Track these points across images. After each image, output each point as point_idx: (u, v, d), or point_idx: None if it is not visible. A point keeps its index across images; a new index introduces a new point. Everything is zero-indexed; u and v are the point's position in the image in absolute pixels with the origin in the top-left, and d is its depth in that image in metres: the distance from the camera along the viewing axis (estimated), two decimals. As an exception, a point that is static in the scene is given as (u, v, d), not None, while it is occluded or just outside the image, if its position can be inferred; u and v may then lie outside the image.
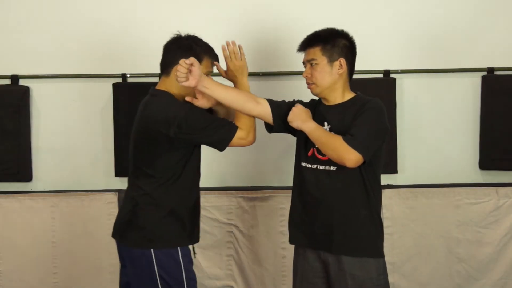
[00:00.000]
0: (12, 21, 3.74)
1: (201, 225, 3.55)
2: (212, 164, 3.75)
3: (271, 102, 2.60)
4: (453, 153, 3.73)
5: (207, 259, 3.59)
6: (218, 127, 2.51)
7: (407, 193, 3.58)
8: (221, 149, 2.55)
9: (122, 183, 3.75)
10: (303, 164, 2.57)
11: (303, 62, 2.60)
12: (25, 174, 3.73)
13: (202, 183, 3.68)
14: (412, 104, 3.71)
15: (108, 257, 3.61)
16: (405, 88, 3.69)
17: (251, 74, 3.58)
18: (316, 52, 2.53)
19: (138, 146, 2.58)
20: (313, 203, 2.53)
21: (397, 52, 3.71)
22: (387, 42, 3.71)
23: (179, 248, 2.55)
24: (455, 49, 3.70)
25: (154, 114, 2.52)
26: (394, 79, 3.66)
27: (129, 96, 3.69)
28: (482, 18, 3.69)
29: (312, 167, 2.53)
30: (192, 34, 2.64)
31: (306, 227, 2.56)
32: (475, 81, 3.70)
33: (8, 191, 3.70)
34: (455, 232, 3.57)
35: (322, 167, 2.52)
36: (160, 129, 2.47)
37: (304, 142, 2.57)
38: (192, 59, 2.38)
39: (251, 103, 2.55)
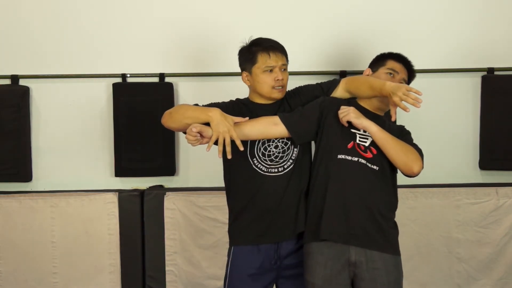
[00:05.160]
0: (12, 21, 3.74)
1: (201, 225, 3.59)
2: (212, 164, 3.75)
3: (284, 120, 2.59)
4: (453, 153, 3.73)
5: (207, 259, 3.59)
6: None
7: (407, 193, 3.57)
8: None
9: (122, 183, 3.75)
10: (342, 156, 2.54)
11: (393, 70, 2.70)
12: (25, 174, 3.73)
13: (202, 183, 3.73)
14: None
15: (108, 257, 3.62)
16: (405, 88, 3.68)
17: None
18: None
19: None
20: (353, 198, 2.52)
21: (397, 52, 3.70)
22: (386, 42, 3.70)
23: (232, 247, 2.67)
24: (455, 49, 3.70)
25: None
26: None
27: (129, 96, 3.70)
28: (483, 18, 3.69)
29: (353, 159, 2.53)
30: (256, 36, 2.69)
31: (341, 222, 2.51)
32: (475, 81, 3.70)
33: (8, 191, 3.70)
34: (455, 232, 3.57)
35: (364, 162, 2.54)
36: None
37: (344, 135, 2.57)
38: (197, 127, 2.48)
39: (271, 128, 2.59)
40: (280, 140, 2.63)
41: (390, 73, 2.69)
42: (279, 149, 2.62)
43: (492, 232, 3.56)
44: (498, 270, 3.56)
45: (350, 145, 2.56)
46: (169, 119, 2.61)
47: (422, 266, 3.57)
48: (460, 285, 3.58)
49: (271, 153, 2.62)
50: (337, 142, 2.58)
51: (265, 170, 2.60)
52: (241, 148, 2.48)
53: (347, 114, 2.54)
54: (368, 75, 2.75)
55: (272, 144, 2.62)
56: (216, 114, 2.48)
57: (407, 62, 2.76)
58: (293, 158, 2.63)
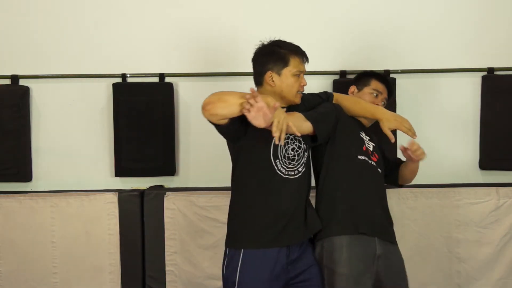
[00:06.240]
0: (12, 21, 3.74)
1: (201, 225, 3.59)
2: (212, 164, 3.76)
3: (309, 118, 2.62)
4: (453, 153, 3.73)
5: (207, 259, 3.59)
6: None
7: (407, 193, 3.57)
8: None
9: (122, 183, 3.76)
10: (362, 157, 2.75)
11: (377, 90, 2.95)
12: (25, 174, 3.73)
13: (202, 183, 3.73)
14: (412, 104, 3.71)
15: (108, 257, 3.62)
16: (405, 88, 3.69)
17: (252, 74, 3.59)
18: None
19: None
20: (373, 195, 2.77)
21: (397, 52, 3.71)
22: (387, 42, 3.71)
23: (242, 250, 2.59)
24: (455, 49, 3.70)
25: None
26: (394, 79, 3.66)
27: (129, 96, 3.70)
28: (483, 18, 3.70)
29: (369, 161, 2.77)
30: (275, 38, 2.69)
31: (370, 217, 2.72)
32: (475, 81, 3.70)
33: (8, 191, 3.70)
34: (455, 232, 3.57)
35: (374, 164, 2.80)
36: None
37: (357, 139, 2.78)
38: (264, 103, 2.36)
39: (303, 123, 2.60)
40: (296, 143, 2.65)
41: (375, 94, 2.96)
42: (294, 152, 2.64)
43: (492, 232, 3.55)
44: (498, 270, 3.56)
45: (364, 148, 2.80)
46: (219, 103, 2.40)
47: (422, 266, 3.57)
48: (460, 285, 3.58)
49: (290, 155, 2.62)
50: (355, 144, 2.78)
51: (285, 172, 2.60)
52: (298, 134, 2.48)
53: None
54: (353, 92, 3.01)
55: (289, 147, 2.63)
56: (274, 101, 2.42)
57: (389, 82, 3.03)
58: (304, 162, 2.67)
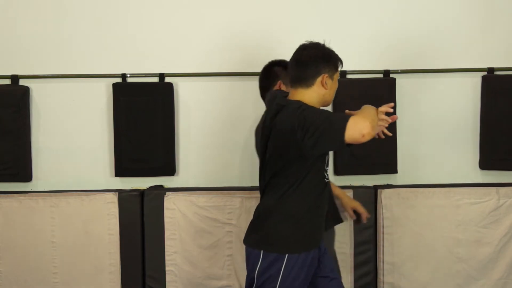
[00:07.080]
0: (12, 21, 3.74)
1: (201, 225, 3.59)
2: (212, 164, 3.76)
3: None
4: (453, 153, 3.73)
5: (207, 259, 3.59)
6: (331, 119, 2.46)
7: (407, 193, 3.57)
8: (337, 143, 2.43)
9: (122, 183, 3.75)
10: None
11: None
12: (25, 174, 3.73)
13: (202, 183, 3.73)
14: (412, 104, 3.71)
15: (108, 257, 3.62)
16: (405, 88, 3.69)
17: (252, 74, 3.59)
18: None
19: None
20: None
21: (397, 52, 3.71)
22: (387, 42, 3.71)
23: (287, 255, 2.55)
24: (455, 49, 3.70)
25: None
26: (394, 79, 3.66)
27: (129, 96, 3.70)
28: (482, 18, 3.70)
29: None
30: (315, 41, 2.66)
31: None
32: (475, 81, 3.70)
33: (8, 191, 3.70)
34: (455, 232, 3.57)
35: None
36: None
37: None
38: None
39: None
40: None
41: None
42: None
43: (492, 232, 3.55)
44: (498, 270, 3.56)
45: None
46: (372, 126, 2.41)
47: (422, 266, 3.57)
48: (460, 285, 3.58)
49: (327, 160, 2.67)
50: None
51: (327, 177, 2.65)
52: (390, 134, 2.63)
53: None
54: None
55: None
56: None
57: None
58: None
